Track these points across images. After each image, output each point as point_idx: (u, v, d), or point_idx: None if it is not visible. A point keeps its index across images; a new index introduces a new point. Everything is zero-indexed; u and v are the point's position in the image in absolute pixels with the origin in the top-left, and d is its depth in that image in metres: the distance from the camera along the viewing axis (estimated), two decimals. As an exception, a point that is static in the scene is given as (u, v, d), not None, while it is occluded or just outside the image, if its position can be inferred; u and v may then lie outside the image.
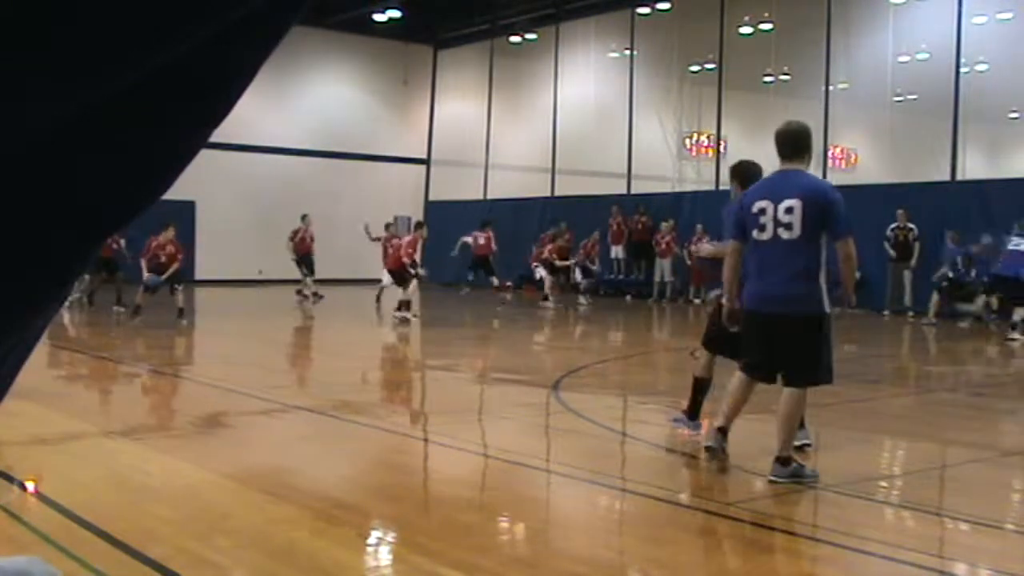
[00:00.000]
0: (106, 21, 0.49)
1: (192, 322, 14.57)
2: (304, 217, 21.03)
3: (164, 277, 14.37)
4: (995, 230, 16.24)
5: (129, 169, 0.57)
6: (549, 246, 21.71)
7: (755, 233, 5.33)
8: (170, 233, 14.37)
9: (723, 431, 5.64)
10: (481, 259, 21.69)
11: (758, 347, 5.45)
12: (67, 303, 10.51)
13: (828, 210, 5.23)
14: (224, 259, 25.28)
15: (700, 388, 6.48)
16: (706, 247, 6.21)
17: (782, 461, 5.18)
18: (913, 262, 18.45)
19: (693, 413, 6.50)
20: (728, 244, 5.82)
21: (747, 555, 4.20)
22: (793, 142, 5.46)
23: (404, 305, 16.11)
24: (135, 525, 4.13)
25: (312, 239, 20.91)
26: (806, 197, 5.22)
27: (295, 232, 20.77)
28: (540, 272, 21.52)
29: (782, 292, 5.27)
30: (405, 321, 15.77)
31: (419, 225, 18.59)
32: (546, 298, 20.34)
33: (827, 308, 5.28)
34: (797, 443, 5.71)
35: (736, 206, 5.77)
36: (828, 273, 5.30)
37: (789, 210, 5.20)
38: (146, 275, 14.49)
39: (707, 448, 5.68)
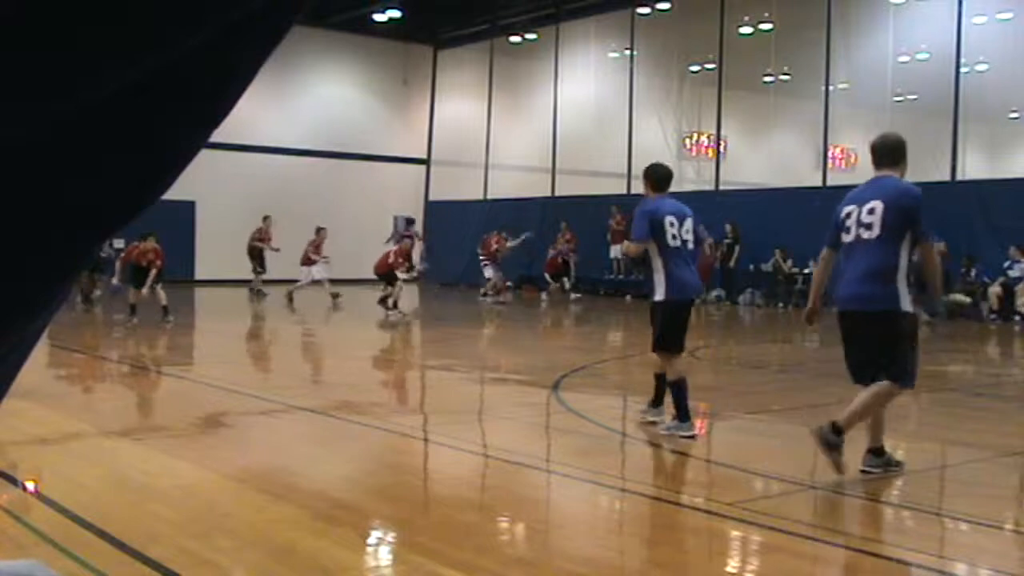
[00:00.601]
0: (105, 21, 0.49)
1: (177, 320, 14.49)
2: (266, 218, 22.08)
3: (147, 286, 14.43)
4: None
5: (129, 169, 0.57)
6: (496, 241, 22.44)
7: (843, 237, 5.53)
8: (150, 243, 14.44)
9: (876, 451, 5.56)
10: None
11: (850, 349, 5.61)
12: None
13: (909, 212, 5.38)
14: (224, 259, 25.26)
15: (678, 385, 6.58)
16: (630, 245, 6.66)
17: (875, 452, 5.38)
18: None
19: (686, 412, 6.56)
20: (637, 242, 6.50)
21: (747, 555, 4.20)
22: (891, 152, 5.65)
23: (390, 301, 16.83)
24: (135, 525, 4.13)
25: (268, 239, 21.90)
26: (888, 198, 5.38)
27: (259, 231, 21.92)
28: (489, 271, 22.21)
29: (859, 290, 5.44)
30: (392, 316, 16.45)
31: (410, 222, 19.05)
32: (485, 294, 21.35)
33: (906, 307, 5.39)
34: (649, 418, 6.71)
35: (648, 207, 6.51)
36: (913, 275, 5.50)
37: (871, 211, 5.39)
38: (114, 282, 14.77)
39: (864, 471, 5.47)
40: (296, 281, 20.80)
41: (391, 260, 17.33)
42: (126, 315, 14.34)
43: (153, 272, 14.49)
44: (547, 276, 23.14)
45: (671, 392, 6.53)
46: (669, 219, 6.48)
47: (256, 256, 21.96)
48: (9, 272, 0.55)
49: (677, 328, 6.55)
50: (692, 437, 6.36)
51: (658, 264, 6.50)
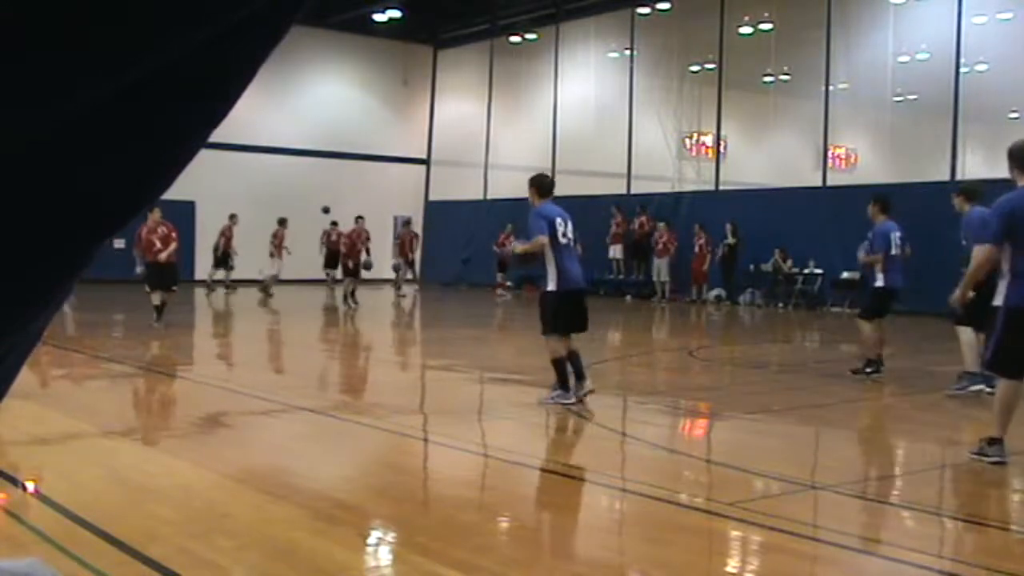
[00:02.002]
0: (106, 22, 0.49)
1: (176, 321, 14.31)
2: (232, 216, 22.81)
3: (164, 258, 13.69)
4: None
5: (129, 169, 0.57)
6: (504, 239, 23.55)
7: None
8: (156, 215, 13.62)
9: (996, 441, 5.70)
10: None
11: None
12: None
13: None
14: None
15: (561, 367, 7.57)
16: (518, 245, 7.99)
17: (989, 441, 5.58)
18: None
19: (566, 385, 7.56)
20: (539, 238, 7.40)
21: (747, 555, 4.20)
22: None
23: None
24: (135, 525, 4.13)
25: (231, 238, 22.78)
26: None
27: (226, 229, 22.77)
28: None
29: None
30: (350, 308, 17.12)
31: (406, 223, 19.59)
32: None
33: (1000, 302, 5.79)
34: (581, 393, 7.49)
35: (543, 210, 7.52)
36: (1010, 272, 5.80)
37: None
38: (139, 268, 14.21)
39: (994, 462, 5.64)
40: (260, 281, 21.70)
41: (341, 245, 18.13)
42: (155, 318, 13.57)
43: (172, 247, 13.78)
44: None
45: (556, 367, 7.55)
46: (559, 220, 7.53)
47: (225, 256, 22.87)
48: (9, 272, 0.55)
49: (567, 314, 7.61)
50: (573, 403, 7.44)
51: (551, 259, 7.51)
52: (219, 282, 22.96)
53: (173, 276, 14.15)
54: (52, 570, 1.14)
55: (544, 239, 7.46)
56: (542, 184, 7.83)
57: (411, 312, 20.78)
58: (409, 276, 24.44)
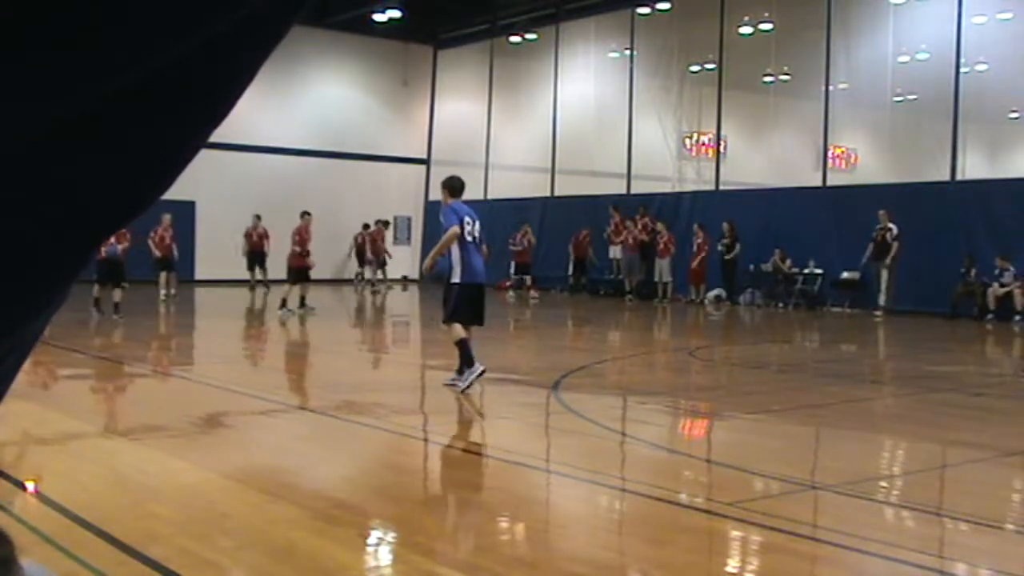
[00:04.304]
0: (108, 22, 0.49)
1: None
2: (256, 217, 23.46)
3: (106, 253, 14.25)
4: None
5: (129, 169, 0.57)
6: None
7: None
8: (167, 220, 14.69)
9: None
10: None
11: None
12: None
13: None
14: (224, 259, 25.27)
15: (465, 346, 8.19)
16: (428, 263, 8.93)
17: None
18: (888, 260, 18.73)
19: (469, 362, 8.13)
20: (451, 229, 8.18)
21: (747, 555, 4.20)
22: None
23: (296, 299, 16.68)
24: (135, 525, 4.13)
25: (263, 237, 23.27)
26: None
27: (250, 230, 23.46)
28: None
29: None
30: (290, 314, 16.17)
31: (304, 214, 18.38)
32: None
33: None
34: (473, 377, 8.08)
35: (454, 207, 8.35)
36: None
37: None
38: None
39: None
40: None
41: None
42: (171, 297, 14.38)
43: (124, 246, 14.70)
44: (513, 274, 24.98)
45: (460, 350, 8.16)
46: (467, 218, 8.32)
47: (256, 256, 23.42)
48: (9, 272, 0.55)
49: (470, 304, 8.35)
50: (483, 373, 8.12)
51: (456, 254, 8.27)
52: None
53: (121, 272, 14.81)
54: (52, 573, 1.14)
55: (456, 229, 8.22)
56: (453, 186, 8.61)
57: (410, 312, 20.79)
58: (379, 276, 26.01)
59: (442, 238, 8.39)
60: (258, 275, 23.45)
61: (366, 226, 26.60)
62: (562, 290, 24.77)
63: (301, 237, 17.30)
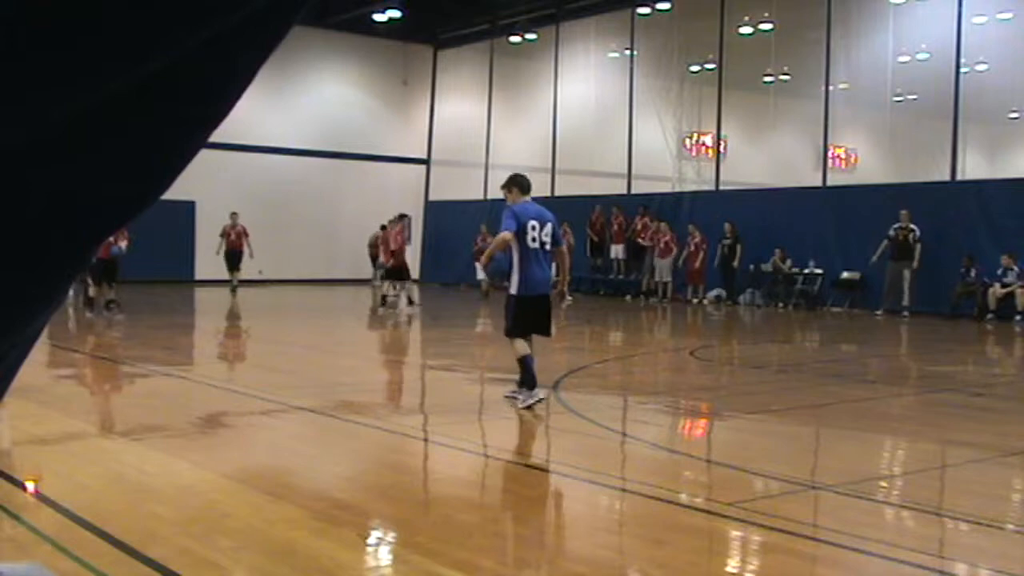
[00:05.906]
0: (109, 22, 0.49)
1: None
2: (233, 215, 22.71)
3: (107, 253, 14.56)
4: None
5: (129, 169, 0.57)
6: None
7: None
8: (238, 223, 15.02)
9: None
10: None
11: None
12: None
13: None
14: (224, 259, 25.25)
15: (526, 365, 7.56)
16: (484, 261, 8.58)
17: None
18: (915, 263, 18.58)
19: (530, 384, 7.49)
20: (495, 241, 7.65)
21: (747, 555, 4.20)
22: None
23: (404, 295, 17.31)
24: (135, 525, 4.13)
25: (242, 235, 22.47)
26: None
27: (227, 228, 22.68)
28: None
29: None
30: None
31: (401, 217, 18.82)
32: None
33: None
34: (531, 401, 7.36)
35: (508, 211, 7.64)
36: None
37: None
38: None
39: None
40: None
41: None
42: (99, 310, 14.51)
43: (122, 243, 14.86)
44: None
45: (522, 367, 7.53)
46: (532, 223, 7.63)
47: (233, 254, 22.61)
48: (10, 271, 0.55)
49: (530, 317, 7.73)
50: (541, 400, 7.44)
51: (515, 261, 7.68)
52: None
53: (117, 271, 15.26)
54: (53, 574, 1.14)
55: (507, 235, 7.59)
56: (520, 184, 7.92)
57: (409, 312, 20.78)
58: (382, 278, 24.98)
59: (492, 241, 7.86)
60: (234, 278, 22.36)
61: (383, 227, 25.23)
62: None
63: (397, 238, 18.35)
